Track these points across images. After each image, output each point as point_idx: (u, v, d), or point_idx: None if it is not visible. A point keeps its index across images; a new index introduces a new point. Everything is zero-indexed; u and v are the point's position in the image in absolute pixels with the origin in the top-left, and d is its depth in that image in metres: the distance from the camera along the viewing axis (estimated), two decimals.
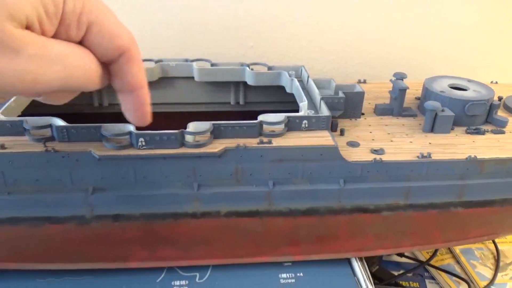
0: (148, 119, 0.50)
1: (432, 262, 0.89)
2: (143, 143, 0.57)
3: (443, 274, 0.89)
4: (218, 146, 0.59)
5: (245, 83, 0.83)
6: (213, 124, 0.59)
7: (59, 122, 0.58)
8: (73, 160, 0.57)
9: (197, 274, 0.66)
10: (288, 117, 0.62)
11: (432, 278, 0.90)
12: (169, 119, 0.84)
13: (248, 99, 0.87)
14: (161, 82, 0.82)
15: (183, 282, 0.64)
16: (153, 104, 0.86)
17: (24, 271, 0.64)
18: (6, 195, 0.57)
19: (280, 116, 0.62)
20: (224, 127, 0.60)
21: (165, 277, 0.65)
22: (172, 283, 0.64)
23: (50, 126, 0.58)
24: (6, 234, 0.59)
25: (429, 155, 0.62)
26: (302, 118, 0.63)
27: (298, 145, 0.60)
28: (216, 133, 0.60)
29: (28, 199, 0.58)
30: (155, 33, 0.91)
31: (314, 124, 0.63)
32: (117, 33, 0.40)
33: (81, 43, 0.39)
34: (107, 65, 0.43)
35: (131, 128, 0.58)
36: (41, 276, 0.63)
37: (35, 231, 0.59)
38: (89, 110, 0.84)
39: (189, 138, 0.59)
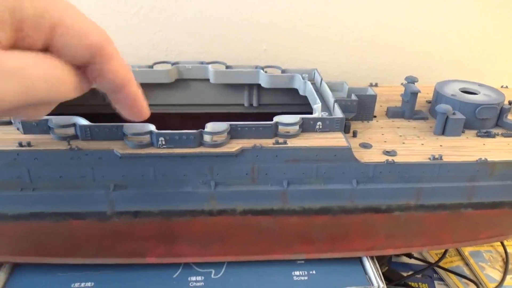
0: (145, 114, 0.45)
1: (441, 264, 0.90)
2: (163, 142, 0.59)
3: (452, 275, 0.90)
4: (235, 146, 0.60)
5: (259, 85, 0.85)
6: (230, 124, 0.61)
7: (83, 121, 0.61)
8: (96, 158, 0.59)
9: (213, 271, 0.67)
10: (302, 118, 0.64)
11: (441, 279, 0.91)
12: (184, 120, 0.86)
13: (261, 101, 0.89)
14: (177, 84, 0.84)
15: (199, 278, 0.66)
16: (169, 105, 0.89)
17: (46, 265, 0.66)
18: (31, 191, 0.59)
19: (295, 118, 0.64)
20: (240, 128, 0.62)
21: (181, 273, 0.67)
22: (188, 278, 0.66)
23: (74, 125, 0.60)
24: (30, 229, 0.61)
25: (441, 157, 0.64)
26: (316, 119, 0.64)
27: (313, 146, 0.61)
28: (233, 134, 0.62)
29: (52, 195, 0.60)
30: (172, 36, 0.94)
31: (328, 125, 0.65)
32: (85, 31, 0.36)
33: (48, 49, 0.36)
34: (84, 69, 0.39)
35: (152, 127, 0.60)
36: (62, 270, 0.65)
37: (58, 226, 0.61)
38: (106, 111, 0.86)
39: (207, 138, 0.60)
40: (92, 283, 0.64)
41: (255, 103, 0.88)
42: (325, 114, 0.67)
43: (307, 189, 0.63)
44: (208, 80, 0.84)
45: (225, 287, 0.65)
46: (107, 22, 0.91)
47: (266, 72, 0.82)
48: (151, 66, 0.82)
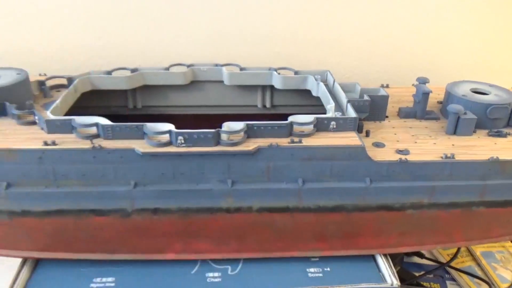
0: None
1: (452, 264, 0.91)
2: (182, 141, 0.61)
3: (464, 275, 0.91)
4: (251, 145, 0.62)
5: (272, 86, 0.87)
6: (247, 124, 0.63)
7: (105, 121, 0.63)
8: (118, 156, 0.61)
9: (229, 267, 0.69)
10: (317, 118, 0.65)
11: (453, 279, 0.92)
12: (199, 121, 0.88)
13: (274, 103, 0.90)
14: (192, 85, 0.86)
15: (216, 274, 0.67)
16: (184, 106, 0.92)
17: (68, 260, 0.68)
18: (55, 188, 0.61)
19: (309, 117, 0.65)
20: (257, 127, 0.64)
21: (199, 269, 0.68)
22: (206, 274, 0.67)
23: (96, 124, 0.62)
24: (54, 225, 0.63)
25: (453, 156, 0.65)
26: (330, 119, 0.66)
27: (327, 145, 0.63)
28: (249, 133, 0.64)
29: (75, 193, 0.62)
30: (188, 40, 0.96)
31: (342, 125, 0.66)
32: None
33: None
34: None
35: (171, 127, 0.62)
36: (84, 266, 0.67)
37: (81, 223, 0.63)
38: (124, 112, 0.88)
39: (224, 137, 0.62)
40: (113, 278, 0.65)
41: (268, 104, 0.90)
42: (338, 114, 0.68)
43: (321, 187, 0.64)
44: (222, 82, 0.86)
45: (241, 283, 0.66)
46: (127, 26, 0.94)
47: (279, 73, 0.84)
48: (167, 68, 0.84)
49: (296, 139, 0.63)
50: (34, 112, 0.66)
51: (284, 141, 0.63)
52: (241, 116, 0.90)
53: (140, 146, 0.61)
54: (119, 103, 0.88)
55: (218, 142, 0.62)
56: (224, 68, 0.85)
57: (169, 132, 0.61)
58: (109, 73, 0.81)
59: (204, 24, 0.95)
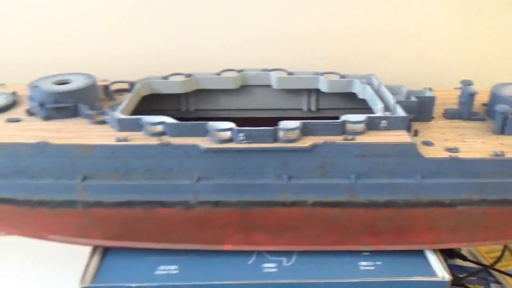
0: None
1: (496, 266, 0.91)
2: (243, 138, 0.65)
3: (508, 278, 0.90)
4: (307, 142, 0.66)
5: (317, 90, 0.90)
6: (302, 122, 0.67)
7: (170, 120, 0.68)
8: (183, 152, 0.65)
9: (284, 259, 0.72)
10: (368, 117, 0.69)
11: (497, 282, 0.91)
12: (247, 124, 0.92)
13: (319, 106, 0.94)
14: (242, 89, 0.91)
15: (272, 265, 0.70)
16: (234, 110, 0.96)
17: (135, 249, 0.72)
18: (125, 181, 0.66)
19: (361, 116, 0.68)
20: (311, 125, 0.67)
21: (255, 260, 0.71)
22: (262, 265, 0.70)
23: (163, 123, 0.67)
24: (123, 216, 0.68)
25: (503, 154, 0.66)
26: (381, 118, 0.69)
27: (379, 142, 0.66)
28: (304, 131, 0.67)
29: (143, 185, 0.67)
30: (237, 46, 1.02)
31: (393, 124, 0.69)
32: None
33: None
34: None
35: (233, 125, 0.66)
36: (148, 255, 0.72)
37: (147, 214, 0.68)
38: (177, 115, 0.93)
39: (281, 134, 0.66)
40: (177, 266, 0.69)
41: (313, 108, 0.94)
42: (388, 114, 0.71)
43: (373, 182, 0.67)
44: (270, 86, 0.90)
45: (296, 274, 0.69)
46: (181, 34, 1.00)
47: (325, 77, 0.87)
48: (219, 74, 0.89)
49: (349, 137, 0.66)
50: (104, 112, 0.71)
51: (337, 139, 0.66)
52: (287, 119, 0.94)
53: (204, 142, 0.65)
54: (172, 107, 0.93)
55: (276, 139, 0.66)
56: (272, 73, 0.89)
57: (231, 129, 0.66)
58: (165, 78, 0.87)
59: (252, 31, 1.00)
